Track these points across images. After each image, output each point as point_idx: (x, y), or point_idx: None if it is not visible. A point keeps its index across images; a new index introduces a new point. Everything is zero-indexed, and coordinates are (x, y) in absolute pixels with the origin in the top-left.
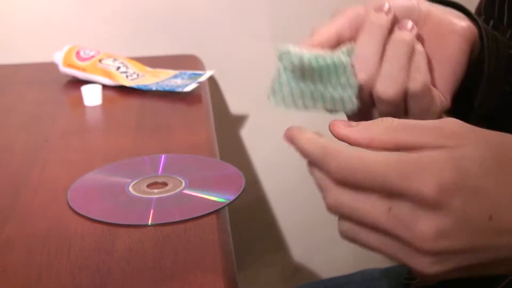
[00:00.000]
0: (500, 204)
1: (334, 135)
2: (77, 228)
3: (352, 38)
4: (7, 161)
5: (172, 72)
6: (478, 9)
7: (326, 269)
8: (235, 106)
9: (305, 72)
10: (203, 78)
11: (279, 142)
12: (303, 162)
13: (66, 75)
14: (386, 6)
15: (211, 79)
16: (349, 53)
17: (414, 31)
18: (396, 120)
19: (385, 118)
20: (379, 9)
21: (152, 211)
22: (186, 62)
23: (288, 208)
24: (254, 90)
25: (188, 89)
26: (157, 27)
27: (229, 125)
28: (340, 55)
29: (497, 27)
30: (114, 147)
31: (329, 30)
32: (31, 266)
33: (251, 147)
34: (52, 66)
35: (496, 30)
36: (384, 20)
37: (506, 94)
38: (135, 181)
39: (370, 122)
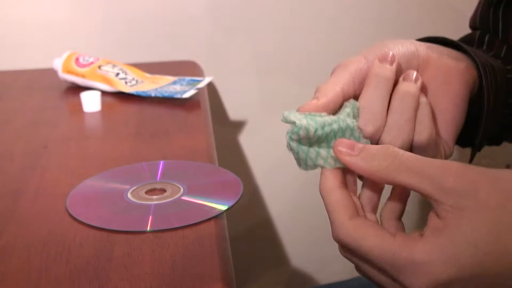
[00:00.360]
0: (501, 276)
1: (337, 156)
2: (76, 234)
3: (356, 92)
4: (6, 167)
5: (171, 78)
6: (473, 20)
7: (324, 274)
8: (234, 112)
9: (311, 141)
10: (202, 85)
11: (278, 148)
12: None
13: (66, 82)
14: (391, 54)
15: (210, 86)
16: (355, 115)
17: (419, 82)
18: (398, 156)
19: (389, 151)
20: (383, 59)
21: (150, 217)
22: (185, 68)
23: (287, 214)
24: (252, 97)
25: (187, 95)
26: (156, 34)
27: (228, 132)
28: (346, 118)
29: (493, 42)
30: (113, 153)
31: (334, 90)
32: (30, 272)
33: (249, 153)
34: (52, 72)
35: (492, 46)
36: (389, 71)
37: (506, 116)
38: (134, 188)
39: (373, 151)
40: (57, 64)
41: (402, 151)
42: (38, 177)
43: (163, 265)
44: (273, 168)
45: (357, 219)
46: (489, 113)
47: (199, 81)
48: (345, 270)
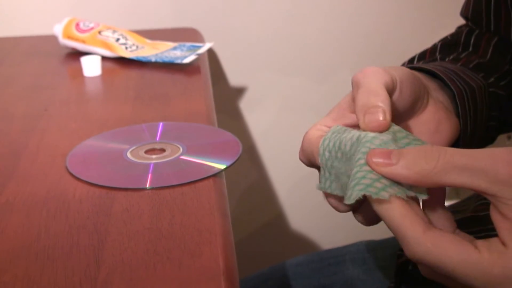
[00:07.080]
0: None
1: (374, 170)
2: (75, 192)
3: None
4: (6, 129)
5: (171, 44)
6: (467, 9)
7: (323, 239)
8: (234, 78)
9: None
10: (202, 50)
11: (277, 113)
12: (300, 133)
13: (66, 47)
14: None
15: (211, 53)
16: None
17: None
18: (442, 154)
19: (430, 151)
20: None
21: (150, 175)
22: (186, 35)
23: (285, 178)
24: (253, 63)
25: (187, 60)
26: (157, 0)
27: (227, 98)
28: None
29: (479, 42)
30: (113, 116)
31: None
32: (30, 227)
33: (249, 119)
34: (52, 38)
35: (478, 47)
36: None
37: (492, 127)
38: (133, 147)
39: (413, 155)
40: (58, 30)
41: (443, 148)
42: (38, 138)
43: (161, 220)
44: (272, 133)
45: (432, 231)
46: (466, 140)
47: (199, 47)
48: (346, 234)
